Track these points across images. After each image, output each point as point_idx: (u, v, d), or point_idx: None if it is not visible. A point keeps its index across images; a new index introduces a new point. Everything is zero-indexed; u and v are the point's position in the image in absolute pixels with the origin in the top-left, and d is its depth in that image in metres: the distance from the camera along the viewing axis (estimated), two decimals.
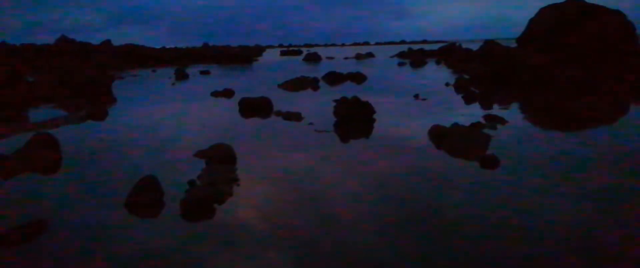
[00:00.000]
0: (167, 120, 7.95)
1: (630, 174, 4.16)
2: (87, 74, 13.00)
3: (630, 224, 3.05)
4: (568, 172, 4.25)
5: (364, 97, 7.61)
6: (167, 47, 47.90)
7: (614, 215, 3.21)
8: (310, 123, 7.14)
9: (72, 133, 6.93)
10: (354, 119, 7.19)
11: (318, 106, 9.09)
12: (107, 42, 34.50)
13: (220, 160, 4.88)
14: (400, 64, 25.17)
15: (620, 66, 15.27)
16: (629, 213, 3.23)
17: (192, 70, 23.27)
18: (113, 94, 12.38)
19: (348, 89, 12.22)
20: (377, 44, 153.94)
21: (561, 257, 2.63)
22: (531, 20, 18.34)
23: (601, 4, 16.12)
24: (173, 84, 15.79)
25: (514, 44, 19.77)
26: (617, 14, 16.65)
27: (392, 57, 36.93)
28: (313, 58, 34.78)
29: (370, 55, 39.98)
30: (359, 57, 37.46)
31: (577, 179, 4.04)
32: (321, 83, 14.41)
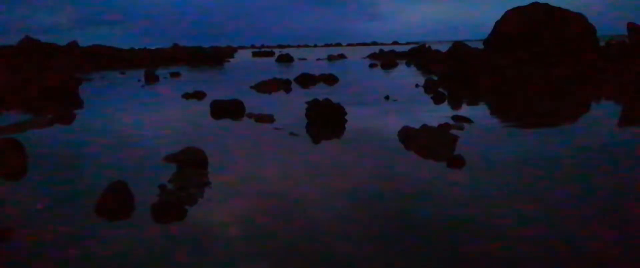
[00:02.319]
0: (136, 123, 7.85)
1: (597, 173, 4.36)
2: (53, 76, 12.68)
3: (603, 224, 3.21)
4: (533, 172, 4.42)
5: (335, 99, 7.71)
6: (136, 48, 46.91)
7: (585, 214, 3.36)
8: (278, 127, 7.17)
9: (38, 137, 6.77)
10: (325, 121, 7.26)
11: (290, 108, 9.13)
12: (74, 44, 33.63)
13: (191, 164, 4.87)
14: (372, 66, 25.42)
15: (582, 66, 15.85)
16: (599, 212, 3.39)
17: (162, 72, 22.95)
18: (80, 97, 12.12)
19: (320, 91, 12.30)
20: (349, 45, 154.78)
21: (528, 256, 2.75)
22: (497, 23, 18.87)
23: (567, 7, 16.71)
24: (143, 86, 15.55)
25: (482, 46, 20.26)
26: (580, 16, 17.29)
27: (363, 58, 37.26)
28: (285, 59, 34.80)
29: (342, 56, 40.21)
30: (331, 58, 37.63)
31: (542, 179, 4.21)
32: (293, 85, 14.45)
